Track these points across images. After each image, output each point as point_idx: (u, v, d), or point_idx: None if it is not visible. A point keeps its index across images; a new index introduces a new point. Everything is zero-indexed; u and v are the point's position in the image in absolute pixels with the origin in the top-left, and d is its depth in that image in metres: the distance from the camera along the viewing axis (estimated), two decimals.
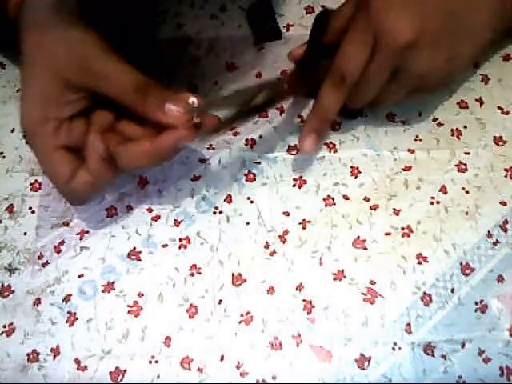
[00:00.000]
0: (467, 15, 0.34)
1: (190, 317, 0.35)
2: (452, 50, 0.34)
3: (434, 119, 0.40)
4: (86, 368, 0.34)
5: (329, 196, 0.38)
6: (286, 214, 0.38)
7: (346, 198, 0.38)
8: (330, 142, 0.40)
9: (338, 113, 0.36)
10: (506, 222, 0.37)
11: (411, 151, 0.39)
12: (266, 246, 0.37)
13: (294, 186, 0.38)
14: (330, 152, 0.40)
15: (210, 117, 0.32)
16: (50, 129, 0.32)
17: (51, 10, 0.32)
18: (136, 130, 0.33)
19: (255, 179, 0.39)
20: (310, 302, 0.35)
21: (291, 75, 0.38)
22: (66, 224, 0.38)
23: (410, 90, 0.36)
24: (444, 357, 0.33)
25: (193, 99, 0.31)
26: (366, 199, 0.38)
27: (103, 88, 0.31)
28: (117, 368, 0.34)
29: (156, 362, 0.34)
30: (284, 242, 0.37)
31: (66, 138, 0.32)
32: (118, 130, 0.33)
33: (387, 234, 0.37)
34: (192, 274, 0.36)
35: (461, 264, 0.36)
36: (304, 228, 0.37)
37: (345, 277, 0.36)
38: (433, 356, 0.33)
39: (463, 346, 0.34)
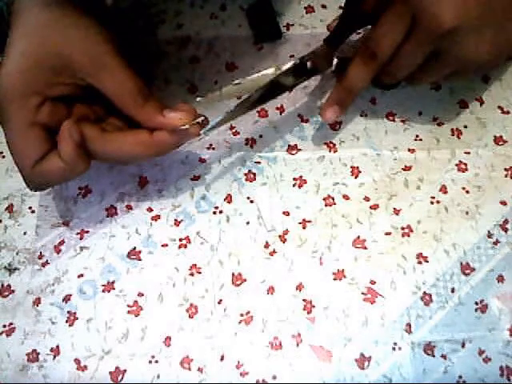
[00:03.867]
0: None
1: (190, 317, 0.35)
2: (496, 34, 0.33)
3: (435, 119, 0.40)
4: (85, 368, 0.34)
5: (329, 196, 0.38)
6: (286, 213, 0.38)
7: (346, 197, 0.38)
8: (330, 142, 0.40)
9: (372, 83, 0.36)
10: (506, 221, 0.37)
11: (411, 151, 0.39)
12: (266, 246, 0.37)
13: (293, 185, 0.38)
14: (330, 152, 0.39)
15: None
16: (34, 103, 0.30)
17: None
18: (123, 125, 0.33)
19: (255, 179, 0.39)
20: (310, 301, 0.35)
21: (317, 52, 0.37)
22: (66, 224, 0.38)
23: (451, 72, 0.35)
24: (444, 357, 0.33)
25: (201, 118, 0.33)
26: (366, 199, 0.38)
27: (106, 83, 0.31)
28: (117, 368, 0.34)
29: (156, 361, 0.34)
30: (284, 242, 0.37)
31: (47, 116, 0.31)
32: (103, 124, 0.33)
33: (387, 233, 0.37)
34: (192, 274, 0.36)
35: (461, 264, 0.36)
36: (304, 228, 0.37)
37: (345, 277, 0.36)
38: (433, 356, 0.33)
39: (463, 345, 0.34)
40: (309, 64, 0.36)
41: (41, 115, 0.31)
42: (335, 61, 0.38)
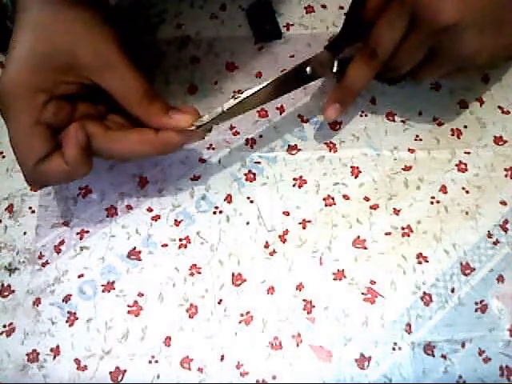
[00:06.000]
0: None
1: (190, 317, 0.35)
2: (496, 31, 0.33)
3: (435, 119, 0.40)
4: (85, 368, 0.34)
5: (329, 196, 0.38)
6: (286, 213, 0.38)
7: (346, 197, 0.38)
8: (330, 142, 0.40)
9: (376, 77, 0.37)
10: (506, 221, 0.37)
11: (411, 151, 0.39)
12: (266, 246, 0.37)
13: (293, 185, 0.38)
14: (330, 152, 0.39)
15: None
16: (40, 101, 0.30)
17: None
18: (124, 123, 0.33)
19: (255, 179, 0.39)
20: (310, 301, 0.35)
21: (319, 58, 0.37)
22: (66, 224, 0.38)
23: (453, 69, 0.35)
24: (444, 357, 0.33)
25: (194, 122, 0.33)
26: (366, 199, 0.38)
27: (113, 82, 0.31)
28: (117, 368, 0.34)
29: (156, 361, 0.34)
30: (284, 242, 0.37)
31: (52, 115, 0.31)
32: (105, 121, 0.33)
33: (387, 233, 0.37)
34: (192, 274, 0.36)
35: (461, 264, 0.36)
36: (304, 228, 0.37)
37: (345, 277, 0.36)
38: (433, 356, 0.33)
39: (463, 345, 0.34)
40: (308, 69, 0.36)
41: (46, 114, 0.30)
42: (336, 62, 0.38)
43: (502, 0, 0.32)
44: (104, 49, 0.30)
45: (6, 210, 0.39)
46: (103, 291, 0.36)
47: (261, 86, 0.34)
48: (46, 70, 0.30)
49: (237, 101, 0.33)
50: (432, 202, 0.38)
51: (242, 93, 0.34)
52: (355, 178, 0.39)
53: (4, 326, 0.35)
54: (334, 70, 0.38)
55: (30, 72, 0.30)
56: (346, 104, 0.38)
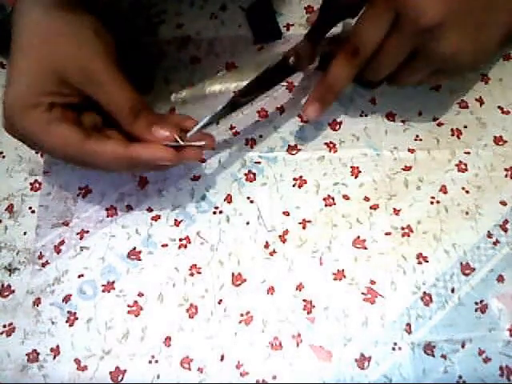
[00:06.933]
0: None
1: (190, 317, 0.35)
2: (477, 32, 0.33)
3: (434, 119, 0.40)
4: (86, 368, 0.34)
5: (329, 196, 0.38)
6: (286, 213, 0.38)
7: (346, 197, 0.38)
8: (330, 142, 0.40)
9: (355, 81, 0.36)
10: (506, 221, 0.37)
11: (411, 151, 0.39)
12: (266, 246, 0.37)
13: (293, 185, 0.38)
14: (330, 152, 0.39)
15: (193, 148, 0.33)
16: (43, 109, 0.31)
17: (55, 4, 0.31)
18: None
19: (255, 179, 0.39)
20: (310, 301, 0.35)
21: (299, 48, 0.36)
22: (66, 224, 0.38)
23: (434, 72, 0.35)
24: (444, 357, 0.33)
25: (176, 137, 0.32)
26: (366, 199, 0.38)
27: (100, 99, 0.32)
28: (117, 368, 0.34)
29: (156, 361, 0.34)
30: (284, 242, 0.37)
31: (60, 114, 0.32)
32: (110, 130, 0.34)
33: (387, 233, 0.37)
34: (192, 274, 0.36)
35: (461, 264, 0.36)
36: (304, 228, 0.37)
37: (345, 277, 0.36)
38: (433, 356, 0.33)
39: (463, 345, 0.34)
40: (291, 61, 0.36)
41: (54, 114, 0.31)
42: (318, 58, 0.37)
43: (483, 3, 0.33)
44: (89, 66, 0.31)
45: (6, 210, 0.39)
46: (103, 291, 0.36)
47: (244, 85, 0.34)
48: (42, 85, 0.31)
49: (211, 116, 0.33)
50: (432, 202, 0.38)
51: (238, 93, 0.34)
52: (355, 178, 0.39)
53: (4, 326, 0.35)
54: (317, 61, 0.37)
55: (25, 92, 0.31)
56: (326, 102, 0.37)
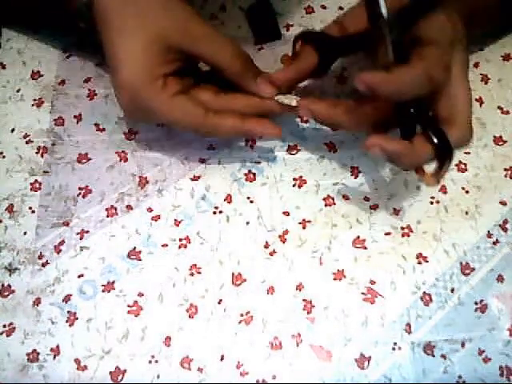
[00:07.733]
0: None
1: (190, 317, 0.35)
2: None
3: None
4: (86, 368, 0.34)
5: (329, 196, 0.38)
6: (286, 213, 0.38)
7: (345, 197, 0.38)
8: (330, 142, 0.40)
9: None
10: (505, 221, 0.37)
11: None
12: (266, 246, 0.37)
13: (293, 185, 0.38)
14: (330, 152, 0.40)
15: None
16: (160, 84, 0.33)
17: None
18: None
19: (255, 179, 0.39)
20: (310, 301, 0.35)
21: None
22: (66, 224, 0.38)
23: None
24: (444, 357, 0.33)
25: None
26: (366, 199, 0.38)
27: (205, 52, 0.34)
28: (117, 368, 0.34)
29: (156, 361, 0.34)
30: (284, 242, 0.37)
31: (177, 87, 0.34)
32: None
33: (387, 233, 0.37)
34: (192, 274, 0.36)
35: (461, 264, 0.36)
36: (304, 228, 0.37)
37: (345, 277, 0.36)
38: (433, 356, 0.33)
39: (463, 345, 0.34)
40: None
41: (171, 89, 0.34)
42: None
43: None
44: (188, 25, 0.33)
45: (6, 210, 0.38)
46: (103, 291, 0.36)
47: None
48: (151, 60, 0.33)
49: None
50: (432, 202, 0.38)
51: None
52: (355, 178, 0.39)
53: (4, 326, 0.35)
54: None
55: (140, 68, 0.33)
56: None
